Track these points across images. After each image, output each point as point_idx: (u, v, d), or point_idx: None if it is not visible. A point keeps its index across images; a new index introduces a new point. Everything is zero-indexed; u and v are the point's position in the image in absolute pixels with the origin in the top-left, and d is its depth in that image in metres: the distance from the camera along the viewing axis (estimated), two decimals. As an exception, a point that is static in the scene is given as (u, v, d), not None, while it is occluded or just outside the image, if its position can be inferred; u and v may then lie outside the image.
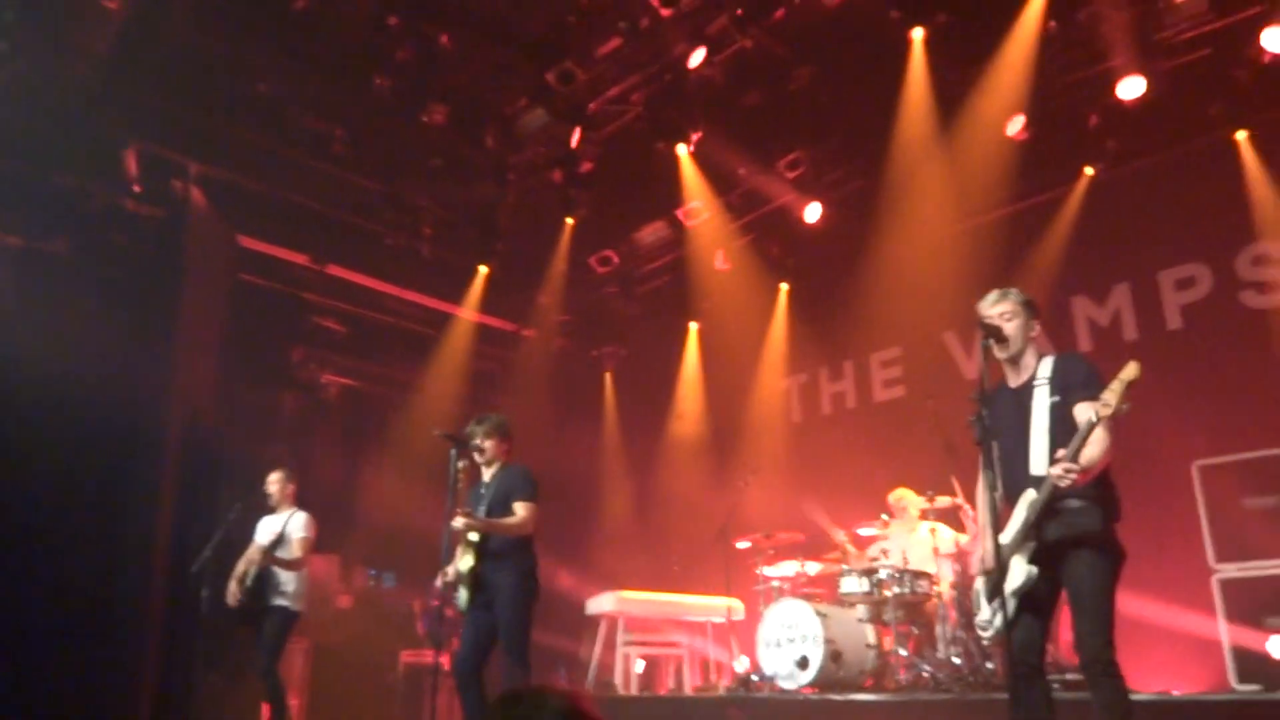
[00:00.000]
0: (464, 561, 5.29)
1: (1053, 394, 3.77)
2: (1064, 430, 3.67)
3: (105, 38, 7.17)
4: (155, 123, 7.77)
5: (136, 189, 7.68)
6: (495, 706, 1.64)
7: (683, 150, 8.77)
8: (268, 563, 6.47)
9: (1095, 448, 3.54)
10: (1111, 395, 3.44)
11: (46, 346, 6.48)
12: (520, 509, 5.27)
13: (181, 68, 7.60)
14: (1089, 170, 7.97)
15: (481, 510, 5.33)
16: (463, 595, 5.32)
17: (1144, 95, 7.32)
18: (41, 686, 5.94)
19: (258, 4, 7.53)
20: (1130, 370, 3.46)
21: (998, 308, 3.92)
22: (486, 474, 5.54)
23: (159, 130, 7.84)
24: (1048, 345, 7.13)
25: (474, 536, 5.28)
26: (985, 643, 5.73)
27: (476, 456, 5.50)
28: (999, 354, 3.89)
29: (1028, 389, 3.85)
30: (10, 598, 6.04)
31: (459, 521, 5.13)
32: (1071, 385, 3.74)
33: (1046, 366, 3.86)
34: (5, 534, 6.12)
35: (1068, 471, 3.48)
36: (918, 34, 7.68)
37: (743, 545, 7.62)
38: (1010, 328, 3.88)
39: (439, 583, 5.41)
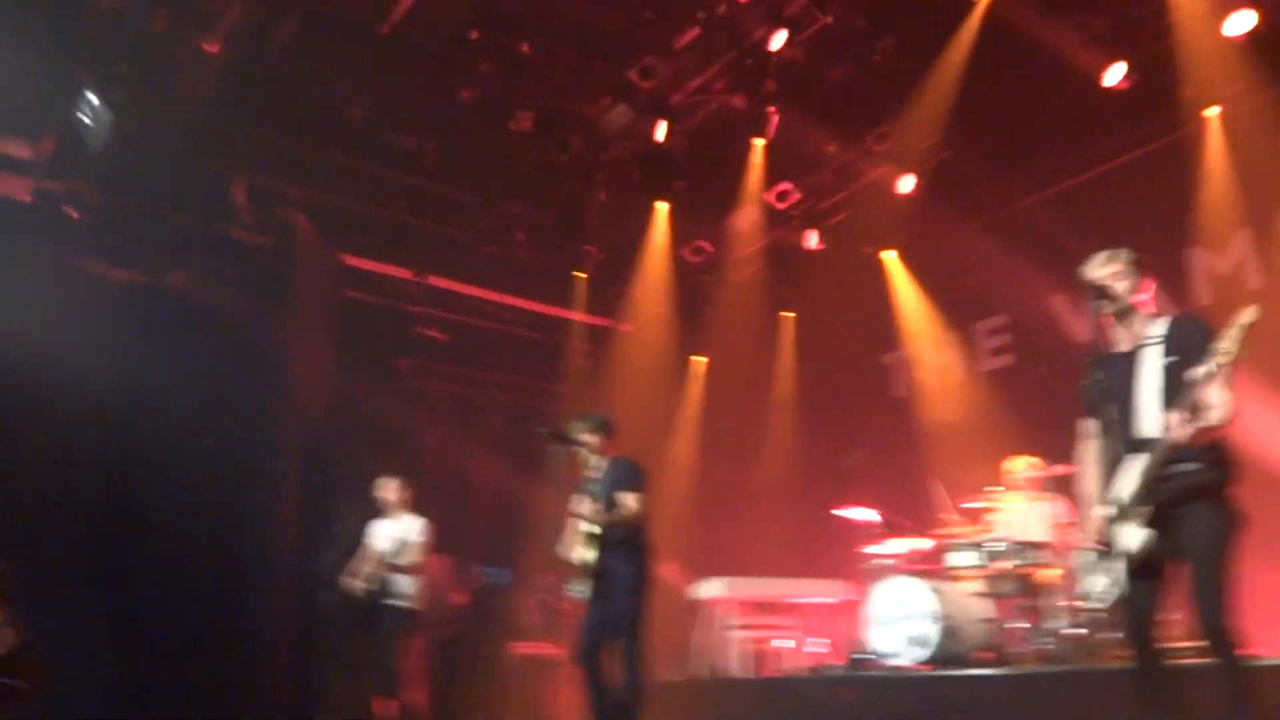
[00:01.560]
0: (582, 551, 5.42)
1: (1167, 354, 3.60)
2: (1179, 392, 3.50)
3: (208, 79, 7.61)
4: (258, 154, 8.20)
5: (246, 219, 8.12)
6: None
7: (769, 134, 8.69)
8: (387, 570, 6.75)
9: (1220, 409, 3.36)
10: (1228, 341, 3.26)
11: (171, 374, 6.92)
12: (629, 500, 5.39)
13: (279, 100, 7.99)
14: (1204, 114, 7.52)
15: (599, 496, 5.47)
16: (582, 585, 5.46)
17: (1254, 29, 6.91)
18: (177, 696, 6.34)
19: (345, 33, 7.85)
20: (1248, 313, 3.25)
21: (1107, 268, 3.76)
22: (596, 467, 5.65)
23: (262, 161, 8.26)
24: (1165, 304, 6.83)
25: (591, 529, 5.40)
26: (1100, 613, 5.52)
27: (581, 452, 5.61)
28: (1107, 311, 3.75)
29: (1140, 350, 3.69)
30: (145, 611, 6.49)
31: (581, 510, 5.30)
32: (1188, 346, 3.54)
33: (1161, 326, 3.69)
34: (137, 553, 6.59)
35: (1182, 425, 3.32)
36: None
37: (850, 520, 7.51)
38: (1120, 287, 3.73)
39: (572, 577, 5.54)
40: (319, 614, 6.39)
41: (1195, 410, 3.33)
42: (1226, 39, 7.03)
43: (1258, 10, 6.85)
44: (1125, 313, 3.74)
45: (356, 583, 6.70)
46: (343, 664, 6.69)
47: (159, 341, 7.08)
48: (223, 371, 7.14)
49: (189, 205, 7.81)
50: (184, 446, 6.90)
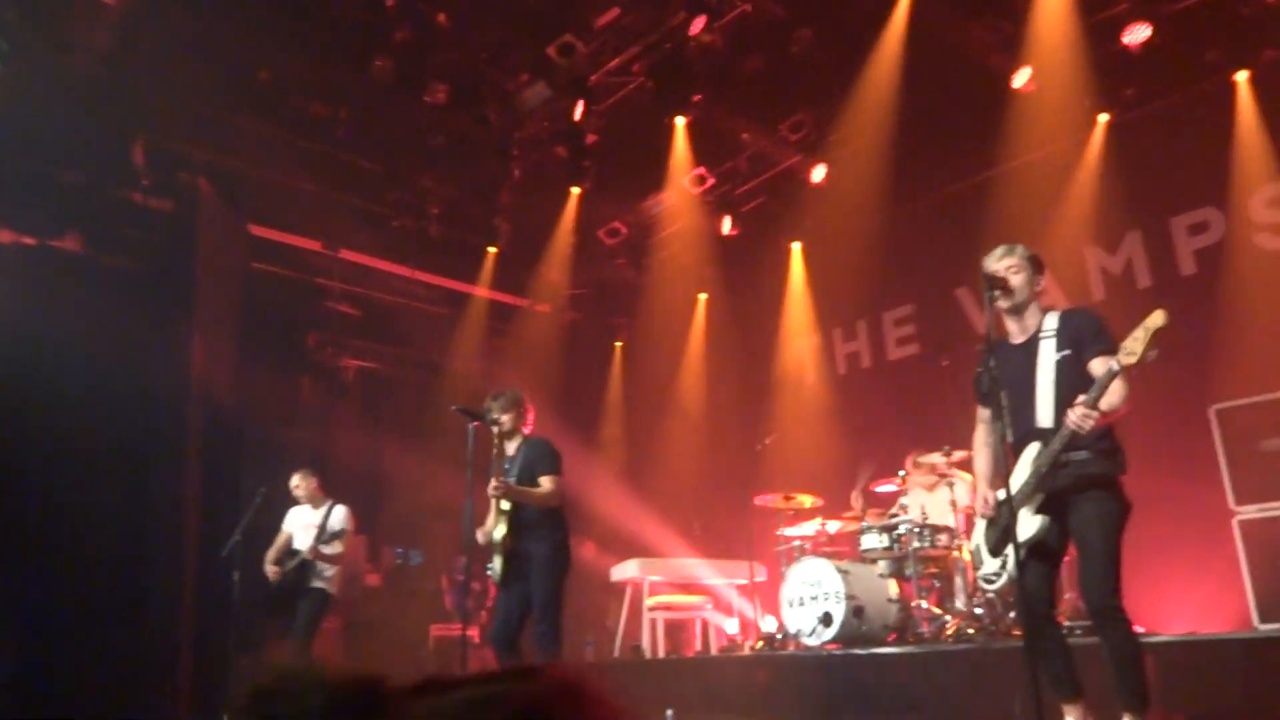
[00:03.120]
0: (497, 531, 5.36)
1: (1060, 348, 3.79)
2: (1070, 384, 3.68)
3: (106, 33, 7.19)
4: (160, 115, 7.80)
5: (145, 182, 7.73)
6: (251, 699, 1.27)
7: (685, 119, 8.74)
8: (316, 557, 6.60)
9: (1115, 395, 3.55)
10: (1136, 344, 3.43)
11: (64, 342, 6.55)
12: (546, 482, 5.36)
13: (182, 59, 7.60)
14: (1100, 118, 7.90)
15: (511, 476, 5.41)
16: (497, 565, 5.41)
17: (1149, 40, 7.27)
18: (76, 675, 6.06)
19: (256, -9, 7.53)
20: (1156, 318, 3.42)
21: (1004, 261, 3.93)
22: (510, 447, 5.59)
23: (165, 123, 7.87)
24: (1061, 298, 7.18)
25: (505, 506, 5.35)
26: (990, 594, 5.79)
27: (495, 430, 5.55)
28: (1002, 305, 3.91)
29: (1033, 343, 3.86)
30: (40, 589, 6.16)
31: (493, 487, 5.21)
32: (1082, 339, 3.74)
33: (1053, 320, 3.88)
34: (33, 527, 6.22)
35: (1086, 417, 3.50)
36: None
37: (762, 503, 7.68)
38: (1016, 280, 3.89)
39: (489, 566, 5.48)
40: (227, 595, 6.18)
41: (1095, 404, 3.51)
42: (1124, 48, 7.36)
43: (1151, 24, 7.20)
44: (1020, 306, 3.91)
45: (273, 568, 6.55)
46: (249, 647, 6.49)
47: (50, 309, 6.67)
48: (121, 340, 6.77)
49: (83, 164, 7.37)
50: (80, 418, 6.53)
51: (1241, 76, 7.22)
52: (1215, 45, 7.29)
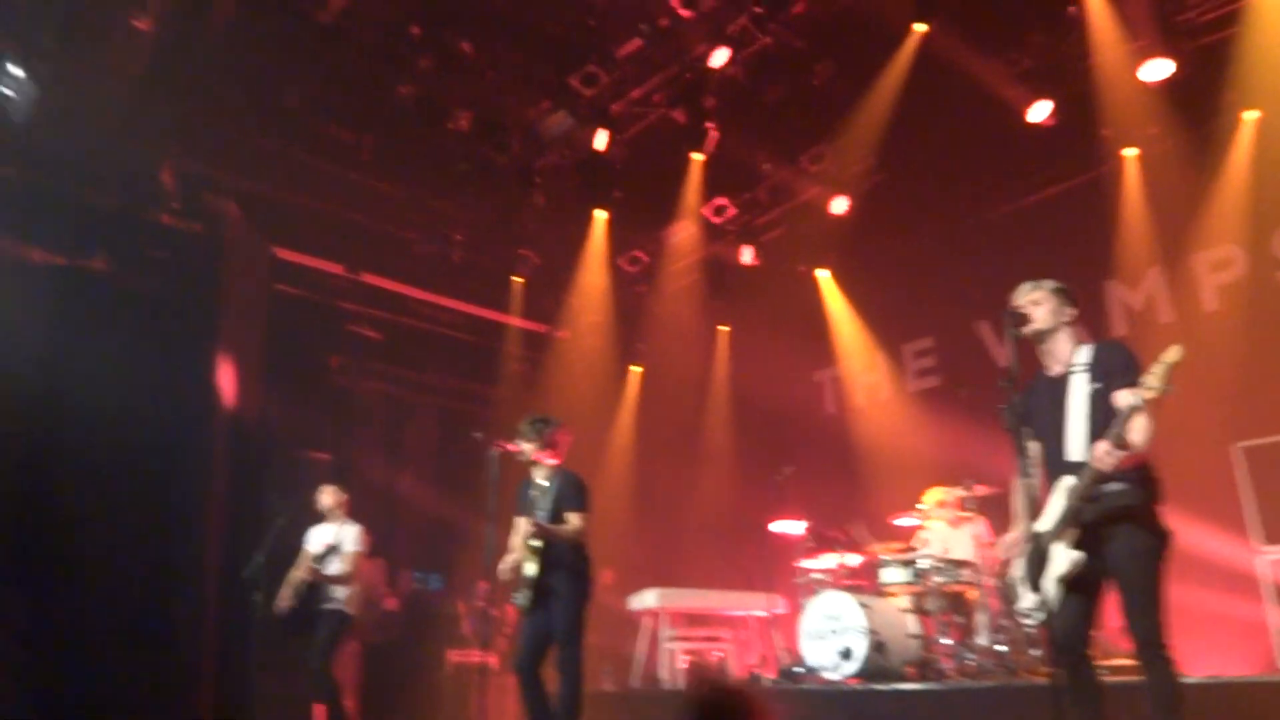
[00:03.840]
0: (528, 567, 5.40)
1: (1092, 380, 3.78)
2: (1103, 417, 3.68)
3: (138, 58, 7.29)
4: (189, 139, 7.90)
5: (174, 205, 7.81)
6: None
7: (708, 148, 8.80)
8: (319, 579, 6.62)
9: (1138, 430, 3.54)
10: (1154, 378, 3.44)
11: (91, 362, 6.60)
12: (574, 519, 5.40)
13: (213, 84, 7.72)
14: (1123, 153, 7.92)
15: (541, 514, 5.45)
16: (523, 597, 5.45)
17: (1171, 76, 7.30)
18: (100, 695, 6.06)
19: (284, 20, 7.64)
20: (1172, 353, 3.46)
21: (1028, 297, 3.95)
22: (539, 475, 5.61)
23: (193, 146, 7.97)
24: (1084, 333, 7.16)
25: (535, 542, 5.39)
26: (1029, 630, 5.75)
27: (524, 456, 5.58)
28: (1028, 333, 3.91)
29: (1065, 377, 3.86)
30: (65, 608, 6.18)
31: (526, 533, 5.32)
32: (1112, 372, 3.74)
33: (1085, 354, 3.88)
34: (57, 547, 6.25)
35: (1109, 454, 3.50)
36: (920, 27, 7.65)
37: (782, 534, 7.65)
38: (1038, 312, 3.90)
39: (513, 588, 5.53)
40: (248, 617, 6.19)
41: (1120, 440, 3.51)
42: (1145, 84, 7.39)
43: (1174, 59, 7.24)
44: (1043, 336, 3.91)
45: (287, 589, 6.55)
46: (271, 668, 6.49)
47: (79, 327, 6.72)
48: (147, 361, 6.83)
49: (114, 187, 7.46)
50: (105, 438, 6.57)
51: (1248, 115, 7.23)
52: (1236, 82, 7.32)
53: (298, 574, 6.64)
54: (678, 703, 6.69)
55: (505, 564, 5.48)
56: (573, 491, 5.49)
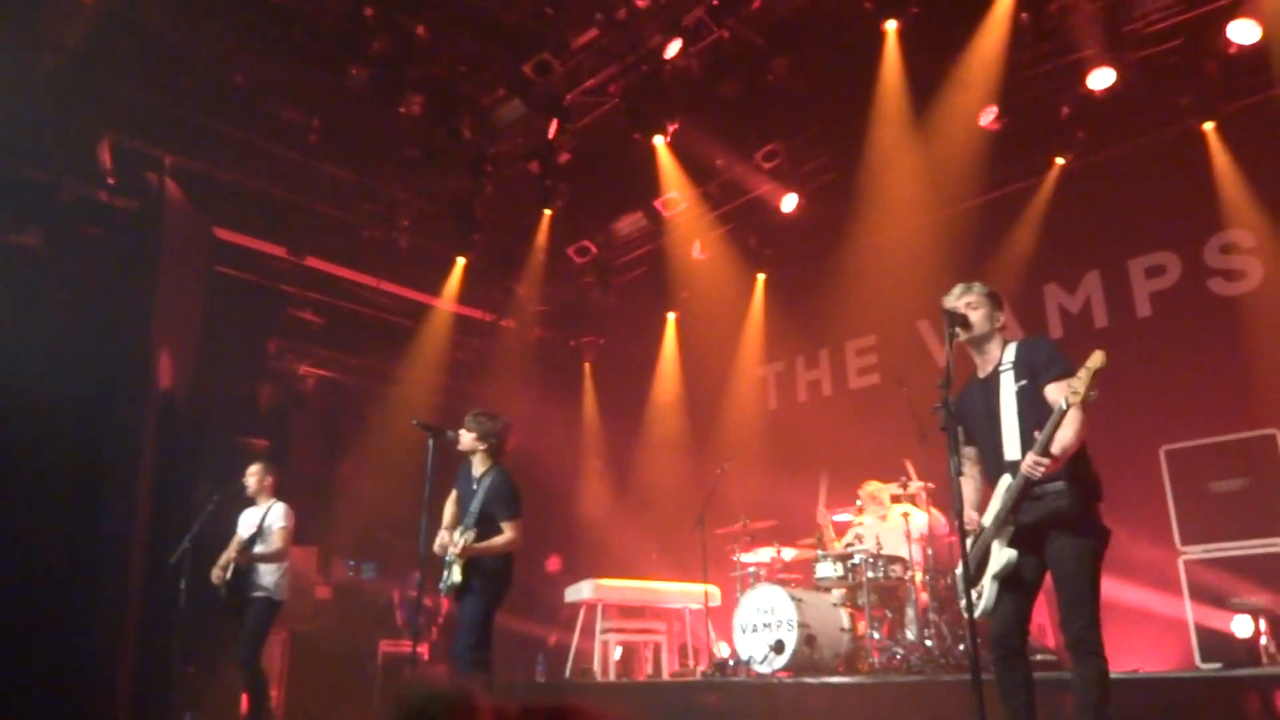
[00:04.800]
0: (453, 575, 5.34)
1: (1018, 378, 3.86)
2: (1033, 413, 3.75)
3: (78, 29, 7.13)
4: (129, 114, 7.74)
5: (111, 181, 7.65)
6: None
7: (660, 141, 8.80)
8: (248, 559, 6.48)
9: (1068, 431, 3.60)
10: (1079, 383, 3.52)
11: (20, 338, 6.47)
12: (507, 529, 5.36)
13: (156, 59, 7.57)
14: (1060, 160, 8.06)
15: (470, 516, 5.40)
16: (447, 584, 5.40)
17: (1114, 86, 7.41)
18: (18, 679, 5.94)
19: (233, -5, 7.51)
20: (1096, 359, 3.53)
21: (963, 299, 4.01)
22: (477, 467, 5.58)
23: (133, 122, 7.81)
24: (1019, 335, 7.27)
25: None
26: (959, 624, 5.83)
27: (458, 447, 5.55)
28: (962, 339, 3.97)
29: (994, 377, 3.93)
30: (-14, 590, 6.05)
31: (450, 554, 5.30)
32: (1037, 367, 3.82)
33: (1010, 352, 3.96)
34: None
35: (1037, 464, 3.57)
36: (891, 25, 7.71)
37: (720, 532, 7.70)
38: (975, 315, 3.96)
39: (441, 585, 5.48)
40: (175, 603, 6.09)
41: (1045, 449, 3.58)
42: (1089, 92, 7.51)
43: (1117, 69, 7.36)
44: (980, 341, 3.99)
45: (216, 571, 6.43)
46: (194, 656, 6.39)
47: (8, 304, 6.58)
48: (79, 340, 6.71)
49: (49, 161, 7.30)
50: (33, 416, 6.43)
51: (1208, 126, 7.38)
52: (1179, 92, 7.45)
53: (227, 555, 6.52)
54: (609, 695, 6.73)
55: (437, 542, 5.44)
56: (504, 495, 5.43)
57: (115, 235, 7.49)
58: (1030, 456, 3.60)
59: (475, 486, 5.51)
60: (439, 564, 5.50)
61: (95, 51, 7.20)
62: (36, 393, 6.46)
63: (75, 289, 7.05)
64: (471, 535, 5.33)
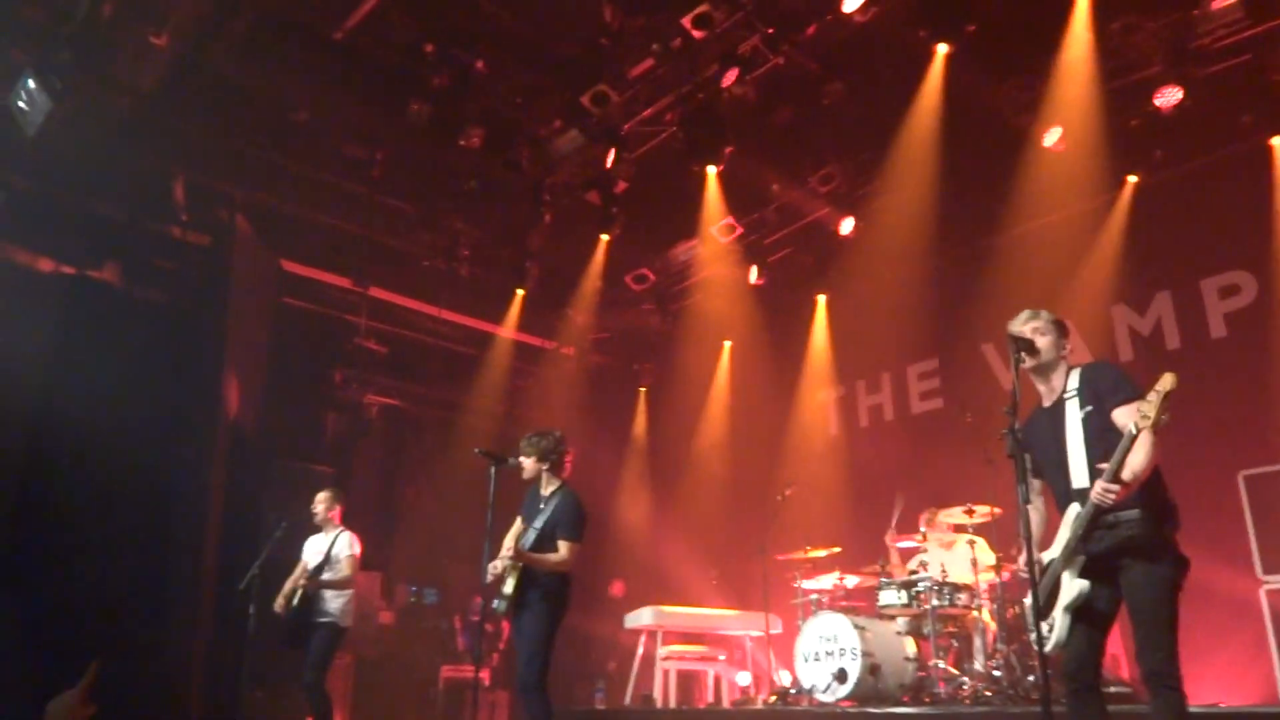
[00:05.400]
0: (508, 583, 5.36)
1: (1083, 405, 3.76)
2: (1099, 440, 3.65)
3: (151, 72, 7.40)
4: (200, 153, 8.02)
5: (184, 217, 7.91)
6: None
7: (715, 168, 8.83)
8: (315, 587, 6.55)
9: (1139, 455, 3.49)
10: (1150, 407, 3.40)
11: (97, 370, 6.69)
12: (563, 548, 5.33)
13: (225, 99, 7.83)
14: (1129, 179, 7.90)
15: (533, 532, 5.43)
16: (502, 604, 5.40)
17: (1181, 102, 7.26)
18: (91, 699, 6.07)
19: (298, 35, 7.73)
20: (1166, 381, 3.41)
21: (1029, 324, 3.93)
22: (545, 487, 5.58)
23: (203, 160, 8.08)
24: (1088, 358, 7.11)
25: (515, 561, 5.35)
26: (1034, 654, 5.67)
27: (527, 466, 5.56)
28: (1028, 365, 3.89)
29: (1060, 404, 3.84)
30: (61, 615, 6.21)
31: (499, 563, 5.28)
32: (1101, 393, 3.72)
33: (1075, 379, 3.86)
34: (56, 554, 6.30)
35: (1107, 492, 3.47)
36: (942, 49, 7.64)
37: (781, 558, 7.63)
38: (1042, 342, 3.88)
39: (495, 601, 5.49)
40: (244, 628, 6.20)
41: (1114, 476, 3.47)
42: (1156, 110, 7.37)
43: (1184, 86, 7.21)
44: (1045, 368, 3.89)
45: (280, 600, 6.53)
46: (262, 681, 6.49)
47: (85, 336, 6.82)
48: (151, 371, 6.92)
49: (125, 198, 7.58)
50: (107, 446, 6.63)
51: (1277, 141, 7.19)
52: (1250, 109, 7.28)
53: (291, 585, 6.62)
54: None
55: (494, 566, 5.42)
56: (569, 517, 5.41)
57: (188, 269, 7.74)
58: (1100, 484, 3.49)
59: (543, 506, 5.51)
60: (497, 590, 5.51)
61: (167, 92, 7.46)
62: (110, 423, 6.66)
63: (149, 321, 7.28)
64: (529, 542, 5.35)
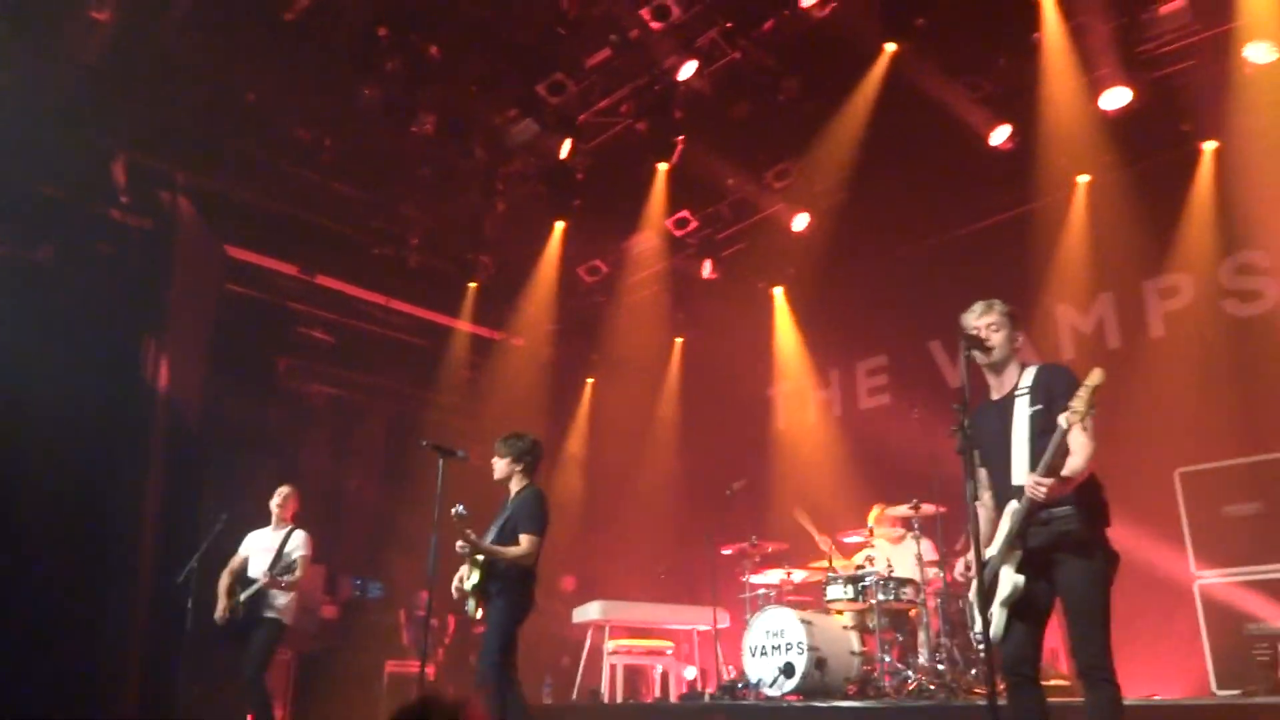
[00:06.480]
0: (471, 578, 5.38)
1: (1034, 403, 3.78)
2: (1044, 439, 3.68)
3: (94, 48, 7.18)
4: (143, 133, 7.77)
5: (124, 199, 7.68)
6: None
7: (670, 161, 8.81)
8: (273, 585, 6.40)
9: (1078, 457, 3.55)
10: (1079, 402, 3.46)
11: (30, 355, 6.47)
12: (524, 540, 5.33)
13: (170, 78, 7.60)
14: (1079, 179, 8.02)
15: (494, 529, 5.46)
16: (471, 607, 5.45)
17: (1128, 106, 7.39)
18: (21, 696, 5.88)
19: (247, 14, 7.54)
20: (1094, 376, 3.48)
21: (984, 319, 3.92)
22: (513, 487, 5.62)
23: (146, 140, 7.84)
24: (1031, 355, 7.23)
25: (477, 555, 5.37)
26: (978, 651, 5.75)
27: (495, 476, 5.62)
28: (981, 362, 3.92)
29: (1009, 400, 3.86)
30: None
31: (458, 546, 5.25)
32: (1055, 395, 3.73)
33: (1028, 376, 3.87)
34: (-12, 544, 6.10)
35: (1038, 485, 3.51)
36: (890, 47, 7.70)
37: (729, 549, 7.64)
38: (996, 338, 3.89)
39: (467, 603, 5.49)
40: (182, 621, 6.05)
41: (1049, 470, 3.51)
42: (1102, 112, 7.49)
43: (1132, 88, 7.33)
44: (999, 364, 3.91)
45: (224, 596, 6.39)
46: (200, 674, 6.35)
47: (18, 321, 6.58)
48: (88, 357, 6.70)
49: (62, 178, 7.32)
50: (40, 434, 6.42)
51: (1219, 146, 7.35)
52: (1193, 112, 7.43)
53: (228, 579, 6.48)
54: (619, 717, 6.66)
55: (456, 580, 5.47)
56: (530, 510, 5.43)
57: (128, 252, 7.50)
58: (1031, 477, 3.53)
59: (507, 503, 5.56)
60: (447, 584, 5.50)
61: (111, 69, 7.24)
62: (45, 409, 6.45)
63: (86, 306, 7.04)
64: (490, 539, 5.38)
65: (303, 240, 9.26)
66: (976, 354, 3.88)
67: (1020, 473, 3.73)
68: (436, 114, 8.50)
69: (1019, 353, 3.98)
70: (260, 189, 8.71)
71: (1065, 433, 3.50)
